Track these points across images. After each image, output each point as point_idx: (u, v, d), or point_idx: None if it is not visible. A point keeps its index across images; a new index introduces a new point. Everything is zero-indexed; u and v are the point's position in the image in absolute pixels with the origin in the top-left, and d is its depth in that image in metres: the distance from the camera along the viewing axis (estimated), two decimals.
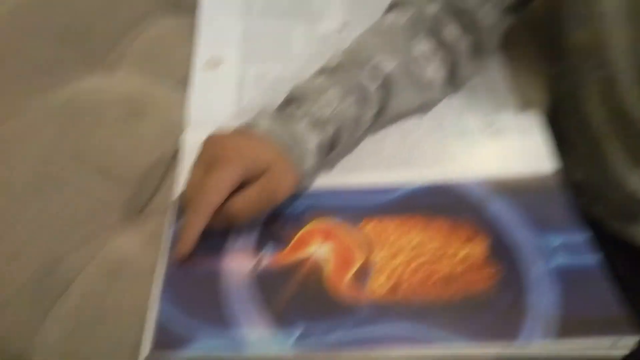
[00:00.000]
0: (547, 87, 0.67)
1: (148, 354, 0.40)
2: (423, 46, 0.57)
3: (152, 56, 0.67)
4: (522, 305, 0.43)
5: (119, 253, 0.47)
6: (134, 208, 0.52)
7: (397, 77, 0.54)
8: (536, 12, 0.69)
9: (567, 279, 0.44)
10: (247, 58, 0.65)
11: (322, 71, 0.54)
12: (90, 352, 0.41)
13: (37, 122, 0.57)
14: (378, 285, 0.45)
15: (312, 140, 0.49)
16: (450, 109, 0.60)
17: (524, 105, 0.62)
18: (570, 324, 0.42)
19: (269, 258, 0.46)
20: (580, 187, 0.70)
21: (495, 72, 0.64)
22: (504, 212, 0.49)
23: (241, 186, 0.46)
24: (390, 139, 0.56)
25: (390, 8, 0.61)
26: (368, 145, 0.56)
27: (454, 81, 0.60)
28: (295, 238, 0.48)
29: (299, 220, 0.49)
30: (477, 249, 0.47)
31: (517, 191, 0.51)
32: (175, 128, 0.57)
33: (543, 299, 0.43)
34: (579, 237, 0.47)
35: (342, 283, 0.45)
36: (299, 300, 0.43)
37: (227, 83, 0.63)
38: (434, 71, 0.58)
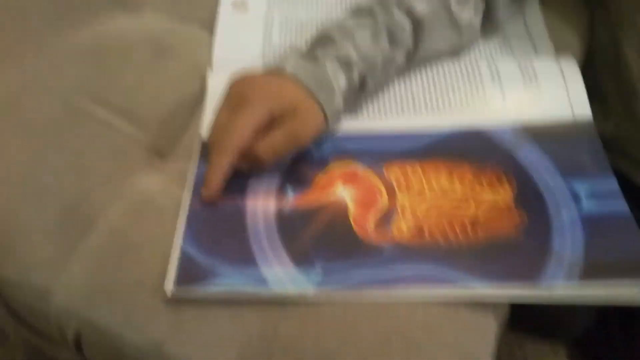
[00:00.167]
0: (584, 34, 0.65)
1: (172, 289, 0.40)
2: None
3: None
4: (546, 250, 0.42)
5: (144, 191, 0.47)
6: (159, 148, 0.52)
7: (430, 19, 0.53)
8: None
9: (594, 225, 0.44)
10: (274, 3, 0.64)
11: (353, 12, 0.53)
12: (114, 288, 0.42)
13: (63, 61, 0.57)
14: (402, 227, 0.44)
15: (340, 82, 0.48)
16: (483, 53, 0.59)
17: (560, 51, 0.60)
18: (594, 268, 0.41)
19: (292, 199, 0.46)
20: (609, 139, 0.69)
21: (532, 17, 0.62)
22: (533, 158, 0.48)
23: (268, 127, 0.45)
24: (420, 83, 0.55)
25: None
26: (397, 89, 0.54)
27: (489, 24, 0.58)
28: (320, 180, 0.47)
29: (324, 163, 0.49)
30: (503, 194, 0.46)
31: (547, 137, 0.50)
32: (201, 69, 0.57)
33: (568, 243, 0.43)
34: (608, 184, 0.47)
35: (366, 225, 0.44)
36: (321, 240, 0.43)
37: (253, 25, 0.62)
38: (467, 14, 0.56)
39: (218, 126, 0.46)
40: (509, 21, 0.61)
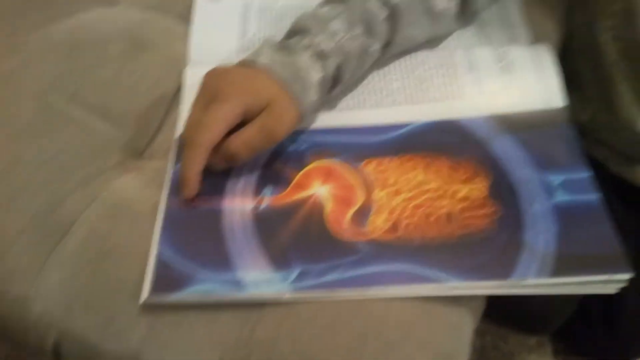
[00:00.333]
0: (562, 21, 0.64)
1: (148, 296, 0.41)
2: None
3: None
4: (519, 243, 0.43)
5: (120, 193, 0.47)
6: (136, 147, 0.52)
7: (406, 8, 0.52)
8: None
9: (566, 216, 0.44)
10: None
11: (327, 2, 0.52)
12: (91, 296, 0.42)
13: (37, 58, 0.56)
14: (378, 224, 0.45)
15: (316, 73, 0.47)
16: (459, 42, 0.58)
17: (537, 39, 0.59)
18: (566, 262, 0.42)
19: (269, 198, 0.46)
20: (586, 127, 0.69)
21: (510, 5, 0.61)
22: (507, 150, 0.49)
23: (242, 123, 0.45)
24: (396, 74, 0.55)
25: None
26: (373, 81, 0.54)
27: (465, 13, 0.58)
28: (296, 178, 0.47)
29: (301, 161, 0.49)
30: (478, 188, 0.46)
31: (522, 128, 0.50)
32: (178, 63, 0.56)
33: (541, 236, 0.43)
34: (581, 174, 0.47)
35: (342, 223, 0.45)
36: (298, 240, 0.44)
37: (230, 15, 0.61)
38: (443, 2, 0.55)
39: (191, 122, 0.46)
40: (486, 9, 0.60)
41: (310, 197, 0.46)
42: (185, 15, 0.61)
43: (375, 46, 0.51)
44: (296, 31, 0.49)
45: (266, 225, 0.45)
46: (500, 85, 0.53)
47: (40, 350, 0.42)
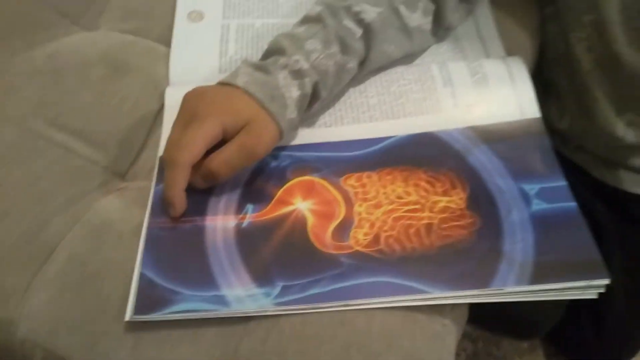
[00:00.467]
0: (536, 32, 0.66)
1: (132, 317, 0.41)
2: None
3: (134, 10, 0.65)
4: (498, 252, 0.44)
5: (103, 214, 0.47)
6: (119, 169, 0.52)
7: (380, 26, 0.53)
8: None
9: (543, 224, 0.45)
10: (230, 10, 0.64)
11: (304, 21, 0.53)
12: (77, 314, 0.42)
13: (18, 83, 0.56)
14: (359, 237, 0.45)
15: (293, 92, 0.48)
16: (435, 57, 0.60)
17: (513, 51, 0.61)
18: (544, 269, 0.43)
19: (251, 215, 0.47)
20: (565, 134, 0.71)
21: (483, 19, 0.63)
22: (484, 161, 0.50)
23: (222, 142, 0.46)
24: (373, 90, 0.56)
25: None
26: (351, 98, 0.55)
27: (438, 29, 0.59)
28: (278, 195, 0.48)
29: (282, 177, 0.49)
30: (456, 199, 0.47)
31: (498, 139, 0.51)
32: (159, 84, 0.57)
33: (519, 245, 0.44)
34: (557, 183, 0.48)
35: (324, 237, 0.45)
36: (281, 255, 0.44)
37: (209, 35, 0.62)
38: (417, 19, 0.56)
39: (171, 142, 0.47)
40: (460, 24, 0.62)
41: (292, 212, 0.47)
42: (165, 37, 0.62)
43: (352, 63, 0.52)
44: (273, 51, 0.50)
45: (249, 242, 0.45)
46: (475, 97, 0.54)
47: None
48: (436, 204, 0.47)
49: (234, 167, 0.46)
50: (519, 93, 0.54)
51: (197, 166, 0.46)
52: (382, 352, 0.41)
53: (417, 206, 0.47)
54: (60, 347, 0.41)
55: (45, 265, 0.44)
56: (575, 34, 0.62)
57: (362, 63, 0.54)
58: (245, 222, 0.46)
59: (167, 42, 0.61)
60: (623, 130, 0.65)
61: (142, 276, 0.43)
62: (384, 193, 0.48)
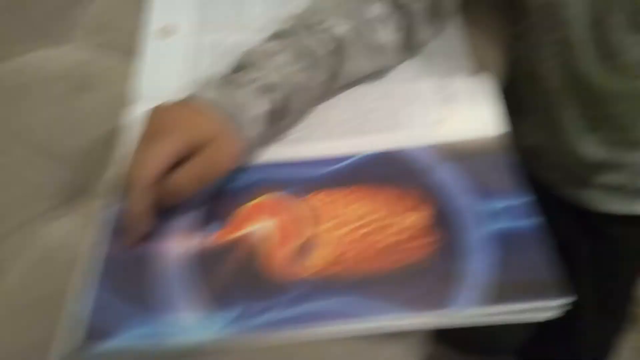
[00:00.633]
0: (505, 49, 0.66)
1: (81, 345, 0.39)
2: (377, 9, 0.56)
3: (104, 25, 0.65)
4: (459, 272, 0.43)
5: (58, 237, 0.46)
6: (81, 186, 0.51)
7: (350, 42, 0.53)
8: None
9: (505, 243, 0.45)
10: (203, 25, 0.64)
11: (273, 36, 0.53)
12: (27, 341, 0.41)
13: None
14: (321, 258, 0.45)
15: (259, 107, 0.48)
16: (404, 73, 0.60)
17: (481, 68, 0.61)
18: (504, 290, 0.42)
19: (212, 236, 0.46)
20: (533, 152, 0.71)
21: (454, 35, 0.63)
22: (449, 178, 0.49)
23: (186, 158, 0.45)
24: (341, 106, 0.56)
25: None
26: (319, 113, 0.55)
27: (409, 45, 0.59)
28: (241, 214, 0.47)
29: (247, 195, 0.49)
30: (421, 217, 0.47)
31: (463, 156, 0.51)
32: (124, 101, 0.56)
33: (480, 265, 0.44)
34: (520, 200, 0.48)
35: (284, 259, 0.45)
36: (239, 279, 0.43)
37: (180, 51, 0.62)
38: (388, 35, 0.56)
39: (133, 161, 0.45)
40: (432, 40, 0.62)
41: (252, 233, 0.46)
42: (132, 53, 0.61)
43: (322, 79, 0.52)
44: (242, 65, 0.50)
45: (206, 265, 0.44)
46: (442, 115, 0.54)
47: None
48: (400, 223, 0.47)
49: (196, 184, 0.45)
50: (485, 110, 0.54)
51: (160, 184, 0.45)
52: None
53: (382, 224, 0.47)
54: None
55: None
56: (542, 52, 0.63)
57: (332, 78, 0.54)
58: (205, 244, 0.45)
59: (133, 58, 0.61)
60: (590, 149, 0.65)
61: (94, 301, 0.42)
62: (350, 211, 0.48)
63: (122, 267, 0.44)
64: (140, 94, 0.57)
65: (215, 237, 0.46)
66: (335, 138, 0.53)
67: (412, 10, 0.56)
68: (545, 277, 0.43)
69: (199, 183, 0.45)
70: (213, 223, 0.47)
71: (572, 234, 0.77)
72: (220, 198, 0.48)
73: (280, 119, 0.50)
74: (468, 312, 0.41)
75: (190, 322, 0.41)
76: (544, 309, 0.42)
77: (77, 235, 0.47)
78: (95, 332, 0.40)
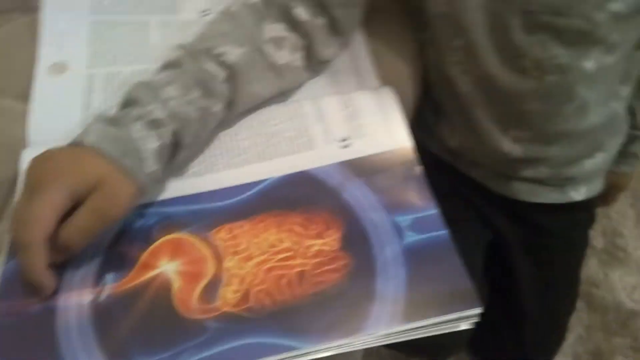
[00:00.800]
0: (415, 57, 0.66)
1: None
2: (270, 32, 0.54)
3: None
4: (371, 293, 0.42)
5: None
6: None
7: (244, 66, 0.51)
8: None
9: (416, 257, 0.44)
10: (96, 59, 0.61)
11: (163, 67, 0.51)
12: None
13: None
14: (228, 296, 0.43)
15: (151, 143, 0.45)
16: (311, 92, 0.59)
17: (392, 79, 0.60)
18: (416, 305, 0.42)
19: (111, 286, 0.43)
20: (458, 152, 0.71)
21: (358, 50, 0.62)
22: (359, 196, 0.49)
23: (74, 208, 0.42)
24: (245, 132, 0.54)
25: None
26: (222, 142, 0.53)
27: (311, 64, 0.58)
28: (142, 258, 0.45)
29: (147, 238, 0.46)
30: (330, 241, 0.46)
31: (372, 171, 0.50)
32: (16, 147, 0.53)
33: (391, 282, 0.43)
34: (428, 212, 0.47)
35: (191, 301, 0.43)
36: (142, 329, 0.41)
37: (73, 87, 0.58)
38: (285, 57, 0.55)
39: (17, 217, 0.42)
40: (335, 57, 0.61)
41: (156, 277, 0.44)
42: (25, 94, 0.58)
43: (217, 107, 0.50)
44: (127, 102, 0.48)
45: (106, 318, 0.42)
46: (348, 131, 0.53)
47: None
48: (309, 249, 0.46)
49: (87, 234, 0.42)
50: (390, 123, 0.53)
51: (51, 239, 0.42)
52: None
53: (289, 253, 0.45)
54: None
55: None
56: (449, 58, 0.63)
57: (229, 106, 0.52)
58: (103, 295, 0.43)
59: (26, 100, 0.57)
60: (509, 146, 0.66)
61: None
62: (256, 243, 0.46)
63: (13, 329, 0.41)
64: (31, 139, 0.54)
65: (113, 287, 0.43)
66: (239, 166, 0.52)
67: (309, 29, 0.55)
68: (455, 288, 0.43)
69: (88, 234, 0.42)
70: (112, 272, 0.44)
71: (505, 227, 0.78)
72: (118, 244, 0.46)
73: (176, 153, 0.48)
74: (386, 331, 0.41)
75: None
76: (461, 318, 0.42)
77: None
78: None
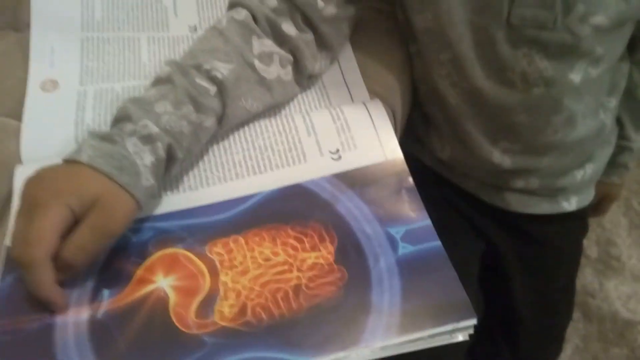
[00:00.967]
0: (404, 70, 0.66)
1: None
2: (262, 45, 0.55)
3: None
4: (366, 306, 0.42)
5: None
6: None
7: (234, 81, 0.52)
8: None
9: (410, 268, 0.44)
10: (88, 75, 0.61)
11: (154, 83, 0.51)
12: None
13: None
14: (224, 311, 0.43)
15: (146, 158, 0.45)
16: (302, 105, 0.59)
17: (381, 92, 0.61)
18: (411, 317, 0.42)
19: (108, 302, 0.43)
20: (449, 164, 0.72)
21: (347, 63, 0.63)
22: (352, 207, 0.49)
23: (73, 226, 0.42)
24: (238, 146, 0.54)
25: (231, 7, 0.58)
26: (215, 156, 0.53)
27: (300, 78, 0.58)
28: (137, 274, 0.45)
29: (143, 253, 0.46)
30: (325, 253, 0.46)
31: (364, 183, 0.50)
32: (9, 164, 0.53)
33: (386, 294, 0.43)
34: (421, 223, 0.47)
35: (187, 316, 0.42)
36: (140, 344, 0.41)
37: (64, 105, 0.58)
38: (275, 70, 0.55)
39: (17, 238, 0.42)
40: (325, 71, 0.61)
41: (152, 292, 0.44)
42: (17, 112, 0.58)
43: (209, 122, 0.50)
44: (119, 119, 0.48)
45: (103, 334, 0.41)
46: (339, 144, 0.53)
47: None
48: (305, 262, 0.46)
49: (90, 252, 0.42)
50: (380, 135, 0.54)
51: (55, 258, 0.41)
52: None
53: (285, 267, 0.45)
54: None
55: None
56: (437, 71, 0.63)
57: (220, 120, 0.52)
58: (101, 312, 0.43)
59: (19, 117, 0.57)
60: (499, 158, 0.66)
61: None
62: (252, 257, 0.46)
63: (10, 348, 0.40)
64: (24, 156, 0.54)
65: (109, 303, 0.43)
66: (232, 180, 0.52)
67: (297, 44, 0.56)
68: (450, 300, 0.43)
69: (90, 251, 0.42)
70: (108, 288, 0.44)
71: (498, 238, 0.78)
72: (114, 259, 0.46)
73: (170, 167, 0.48)
74: (381, 344, 0.40)
75: None
76: (456, 330, 0.41)
77: None
78: None
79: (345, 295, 0.43)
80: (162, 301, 0.43)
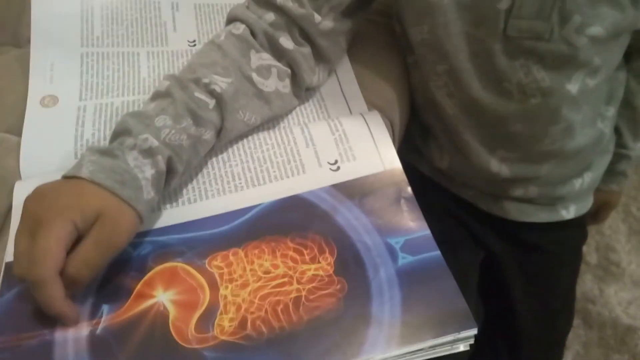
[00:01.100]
0: (402, 81, 0.67)
1: None
2: (260, 58, 0.55)
3: None
4: (366, 317, 0.42)
5: None
6: None
7: (232, 95, 0.52)
8: (380, 10, 0.68)
9: (410, 279, 0.45)
10: (87, 91, 0.61)
11: (153, 97, 0.52)
12: None
13: None
14: (224, 325, 0.43)
15: (147, 171, 0.46)
16: (300, 117, 0.59)
17: (379, 103, 0.61)
18: (412, 328, 0.42)
19: (107, 317, 0.43)
20: (448, 173, 0.72)
21: (345, 75, 0.63)
22: (351, 218, 0.49)
23: (77, 241, 0.42)
24: (237, 158, 0.54)
25: (229, 22, 0.58)
26: (214, 169, 0.54)
27: (298, 91, 0.59)
28: (137, 288, 0.45)
29: (142, 267, 0.46)
30: (325, 265, 0.46)
31: (363, 194, 0.51)
32: (9, 179, 0.53)
33: (386, 305, 0.43)
34: (421, 233, 0.48)
35: (187, 331, 0.43)
36: (140, 359, 0.41)
37: (64, 120, 0.59)
38: (273, 83, 0.56)
39: (22, 257, 0.42)
40: (323, 83, 0.62)
41: (152, 307, 0.44)
42: (17, 127, 0.58)
43: (208, 135, 0.51)
44: (119, 133, 0.48)
45: (103, 350, 0.41)
46: (338, 155, 0.54)
47: None
48: (304, 274, 0.46)
49: (95, 267, 0.42)
50: (378, 146, 0.54)
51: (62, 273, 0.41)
52: None
53: (285, 279, 0.46)
54: None
55: None
56: (434, 82, 0.64)
57: (219, 133, 0.52)
58: (100, 327, 0.43)
59: (19, 132, 0.58)
60: (497, 167, 0.67)
61: None
62: (251, 270, 0.46)
63: None
64: (23, 171, 0.54)
65: (109, 319, 0.43)
66: (231, 192, 0.52)
67: (295, 57, 0.56)
68: (451, 309, 0.43)
69: (95, 266, 0.42)
70: (108, 303, 0.44)
71: (497, 247, 0.78)
72: (113, 274, 0.46)
73: (170, 180, 0.49)
74: (382, 356, 0.40)
75: None
76: (457, 340, 0.42)
77: None
78: None
79: (346, 307, 0.43)
80: (162, 316, 0.43)
